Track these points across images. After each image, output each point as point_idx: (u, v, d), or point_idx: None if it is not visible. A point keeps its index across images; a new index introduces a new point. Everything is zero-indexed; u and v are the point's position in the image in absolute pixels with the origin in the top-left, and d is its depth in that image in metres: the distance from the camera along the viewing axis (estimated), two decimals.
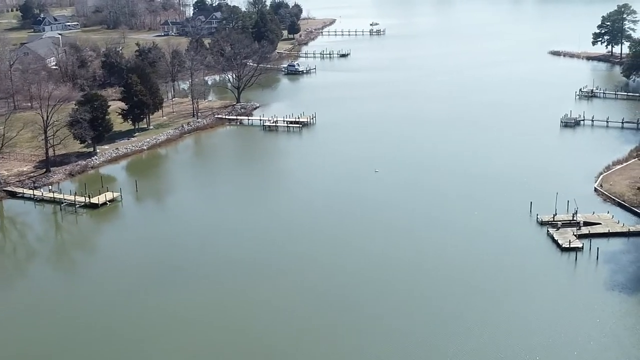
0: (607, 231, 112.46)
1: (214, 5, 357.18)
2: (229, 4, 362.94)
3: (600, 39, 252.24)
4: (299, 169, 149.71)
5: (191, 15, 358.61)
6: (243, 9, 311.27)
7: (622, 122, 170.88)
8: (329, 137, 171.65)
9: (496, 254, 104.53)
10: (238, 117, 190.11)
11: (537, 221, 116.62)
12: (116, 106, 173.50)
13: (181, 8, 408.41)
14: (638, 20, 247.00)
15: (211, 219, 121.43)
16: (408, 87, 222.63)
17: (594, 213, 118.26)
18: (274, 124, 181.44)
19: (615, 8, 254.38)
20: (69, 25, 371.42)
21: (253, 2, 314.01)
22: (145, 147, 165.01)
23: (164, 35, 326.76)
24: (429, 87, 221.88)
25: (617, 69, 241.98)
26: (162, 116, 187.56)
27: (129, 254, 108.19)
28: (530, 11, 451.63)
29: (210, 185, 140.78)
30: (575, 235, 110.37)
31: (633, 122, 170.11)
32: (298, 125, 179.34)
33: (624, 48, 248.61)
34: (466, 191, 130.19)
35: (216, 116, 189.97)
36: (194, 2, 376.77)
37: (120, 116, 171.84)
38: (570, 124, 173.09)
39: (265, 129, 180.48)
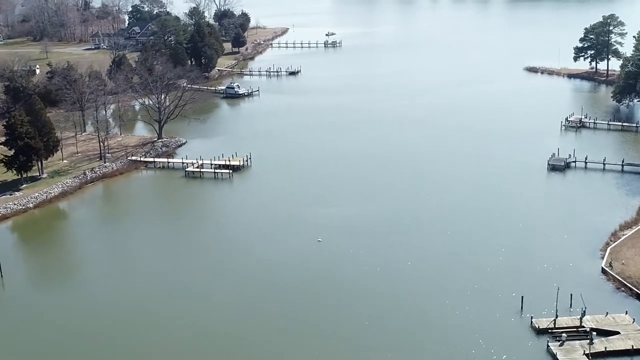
0: (631, 347, 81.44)
1: (153, 13, 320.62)
2: (171, 12, 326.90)
3: (583, 54, 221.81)
4: (223, 234, 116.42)
5: (126, 25, 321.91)
6: (184, 20, 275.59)
7: (622, 165, 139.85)
8: (264, 187, 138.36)
9: None
10: (155, 160, 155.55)
11: (532, 326, 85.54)
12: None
13: (120, 16, 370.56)
14: (626, 33, 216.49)
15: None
16: (365, 114, 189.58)
17: (607, 314, 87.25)
18: (199, 169, 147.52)
19: (600, 19, 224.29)
20: None
21: (190, 13, 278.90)
22: (30, 205, 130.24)
23: (94, 49, 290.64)
24: (390, 114, 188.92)
25: (603, 89, 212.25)
26: (62, 159, 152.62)
27: None
28: (499, 16, 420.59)
29: (104, 261, 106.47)
30: (587, 357, 79.04)
31: (636, 165, 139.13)
32: (227, 172, 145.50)
33: (611, 64, 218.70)
34: (438, 278, 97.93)
35: (129, 158, 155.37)
36: (128, 11, 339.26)
37: (2, 163, 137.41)
38: (560, 166, 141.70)
39: (187, 176, 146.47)
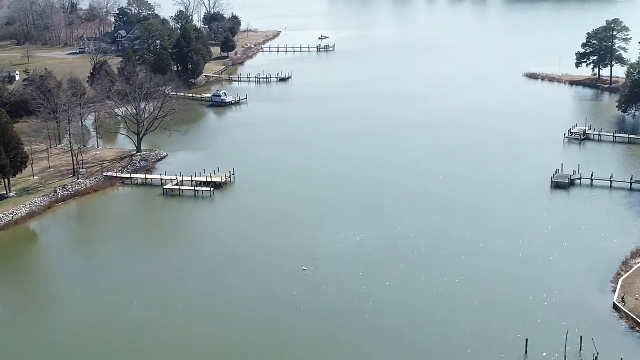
0: None
1: (141, 16, 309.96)
2: (159, 15, 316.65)
3: (585, 60, 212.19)
4: (201, 260, 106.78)
5: (112, 29, 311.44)
6: (170, 25, 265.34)
7: (631, 182, 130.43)
8: (247, 207, 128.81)
9: None
10: (132, 176, 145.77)
11: None
12: None
13: (109, 19, 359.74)
14: (630, 39, 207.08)
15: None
16: (357, 124, 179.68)
17: None
18: (178, 187, 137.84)
19: (601, 23, 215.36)
20: None
21: (176, 17, 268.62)
22: None
23: (79, 54, 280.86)
24: (383, 124, 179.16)
25: (607, 97, 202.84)
26: (33, 175, 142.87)
27: None
28: (497, 18, 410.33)
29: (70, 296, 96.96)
30: None
31: None
32: (209, 189, 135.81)
33: (614, 70, 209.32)
34: (435, 318, 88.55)
35: (105, 174, 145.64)
36: (115, 14, 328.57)
37: None
38: (564, 184, 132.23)
39: (165, 194, 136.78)
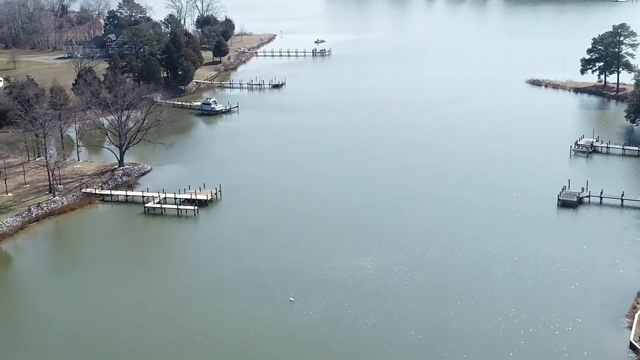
0: None
1: (132, 19, 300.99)
2: (151, 18, 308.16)
3: (590, 66, 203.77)
4: (181, 287, 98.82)
5: (102, 33, 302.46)
6: (159, 29, 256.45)
7: None
8: (233, 228, 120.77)
9: None
10: (112, 193, 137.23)
11: None
12: None
13: (100, 22, 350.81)
14: (638, 44, 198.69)
15: None
16: (352, 135, 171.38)
17: None
18: (160, 205, 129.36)
19: (601, 25, 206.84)
20: None
21: (166, 21, 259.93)
22: None
23: (67, 58, 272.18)
24: (379, 135, 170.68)
25: (613, 105, 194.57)
26: (7, 192, 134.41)
27: None
28: (497, 21, 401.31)
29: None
30: None
31: None
32: (192, 208, 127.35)
33: (621, 77, 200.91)
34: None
35: (83, 190, 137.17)
36: (105, 17, 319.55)
37: None
38: (571, 202, 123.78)
39: (147, 212, 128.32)
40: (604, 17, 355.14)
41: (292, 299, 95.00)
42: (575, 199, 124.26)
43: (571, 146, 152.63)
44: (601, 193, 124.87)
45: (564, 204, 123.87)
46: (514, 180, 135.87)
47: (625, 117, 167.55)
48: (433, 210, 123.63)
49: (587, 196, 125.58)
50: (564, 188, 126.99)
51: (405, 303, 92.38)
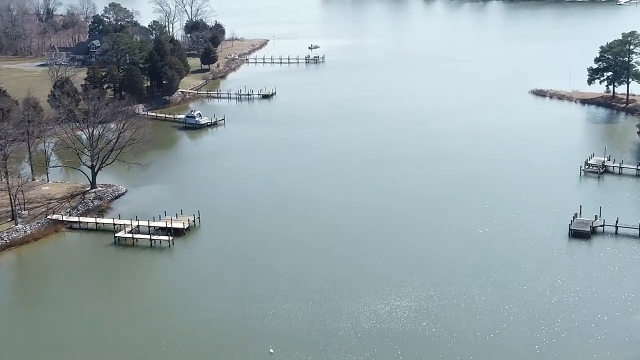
0: None
1: (118, 25, 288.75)
2: (138, 22, 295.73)
3: (598, 75, 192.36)
4: (149, 332, 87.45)
5: (87, 38, 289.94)
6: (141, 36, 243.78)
7: None
8: (211, 261, 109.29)
9: None
10: (81, 220, 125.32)
11: None
12: None
13: (88, 26, 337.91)
14: None
15: None
16: (346, 151, 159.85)
17: None
18: (131, 234, 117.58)
19: (608, 31, 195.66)
20: None
21: (150, 27, 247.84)
22: None
23: (48, 66, 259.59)
24: (375, 151, 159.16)
25: (623, 118, 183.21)
26: None
27: None
28: (498, 25, 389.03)
29: None
30: None
31: None
32: (167, 238, 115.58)
33: (631, 88, 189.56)
34: None
35: (49, 217, 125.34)
36: (89, 23, 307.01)
37: None
38: (584, 232, 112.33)
39: (118, 243, 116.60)
40: (607, 20, 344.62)
41: (271, 350, 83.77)
42: (588, 229, 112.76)
43: (581, 166, 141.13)
44: (617, 222, 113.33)
45: (575, 234, 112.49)
46: (521, 207, 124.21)
47: (638, 132, 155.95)
48: (434, 244, 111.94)
49: (601, 225, 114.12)
50: (576, 215, 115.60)
51: (406, 353, 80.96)
